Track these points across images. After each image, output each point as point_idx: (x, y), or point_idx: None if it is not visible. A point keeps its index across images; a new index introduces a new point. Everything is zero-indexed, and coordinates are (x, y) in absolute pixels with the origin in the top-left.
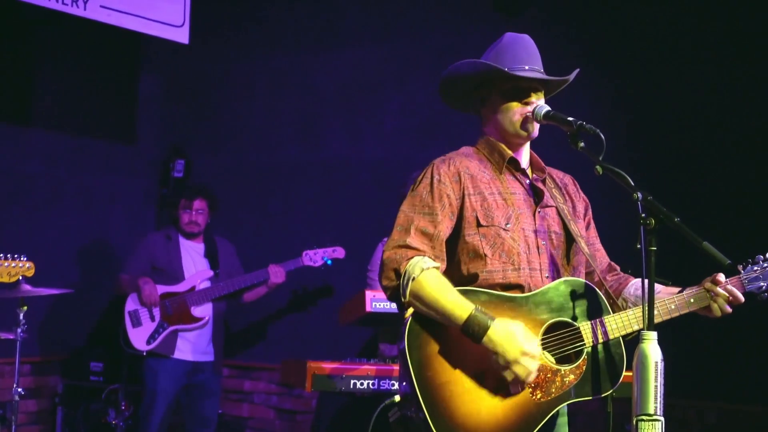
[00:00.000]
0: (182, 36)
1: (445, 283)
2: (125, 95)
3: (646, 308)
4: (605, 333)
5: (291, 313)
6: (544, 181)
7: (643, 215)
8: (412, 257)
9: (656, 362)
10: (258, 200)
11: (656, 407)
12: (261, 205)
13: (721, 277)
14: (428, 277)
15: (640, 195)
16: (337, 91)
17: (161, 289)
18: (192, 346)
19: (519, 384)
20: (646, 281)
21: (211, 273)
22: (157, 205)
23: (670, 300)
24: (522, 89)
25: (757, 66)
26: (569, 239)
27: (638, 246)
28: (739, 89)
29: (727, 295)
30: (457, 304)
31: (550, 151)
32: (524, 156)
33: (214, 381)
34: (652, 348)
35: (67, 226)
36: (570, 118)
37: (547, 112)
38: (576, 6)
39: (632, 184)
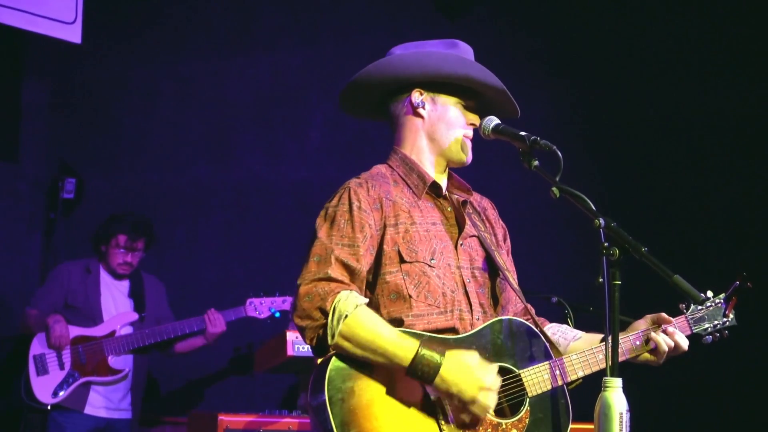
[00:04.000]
0: (74, 35)
1: (380, 320)
2: (6, 104)
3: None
4: (564, 374)
5: (200, 358)
6: (464, 206)
7: (605, 244)
8: (338, 291)
9: (621, 413)
10: (161, 227)
11: None
12: (165, 233)
13: (666, 316)
14: (362, 314)
15: (602, 221)
16: (253, 102)
17: (74, 331)
18: (106, 400)
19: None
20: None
21: (136, 316)
22: (43, 232)
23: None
24: (474, 107)
25: (722, 72)
26: (494, 274)
27: (600, 280)
28: (705, 96)
29: (673, 340)
30: (400, 345)
31: (498, 171)
32: (445, 178)
33: None
34: (616, 397)
35: None
36: (522, 133)
37: (497, 125)
38: (523, 5)
39: (593, 208)
